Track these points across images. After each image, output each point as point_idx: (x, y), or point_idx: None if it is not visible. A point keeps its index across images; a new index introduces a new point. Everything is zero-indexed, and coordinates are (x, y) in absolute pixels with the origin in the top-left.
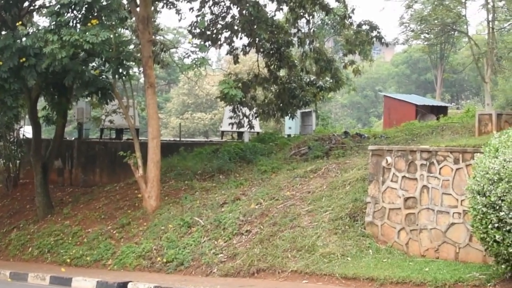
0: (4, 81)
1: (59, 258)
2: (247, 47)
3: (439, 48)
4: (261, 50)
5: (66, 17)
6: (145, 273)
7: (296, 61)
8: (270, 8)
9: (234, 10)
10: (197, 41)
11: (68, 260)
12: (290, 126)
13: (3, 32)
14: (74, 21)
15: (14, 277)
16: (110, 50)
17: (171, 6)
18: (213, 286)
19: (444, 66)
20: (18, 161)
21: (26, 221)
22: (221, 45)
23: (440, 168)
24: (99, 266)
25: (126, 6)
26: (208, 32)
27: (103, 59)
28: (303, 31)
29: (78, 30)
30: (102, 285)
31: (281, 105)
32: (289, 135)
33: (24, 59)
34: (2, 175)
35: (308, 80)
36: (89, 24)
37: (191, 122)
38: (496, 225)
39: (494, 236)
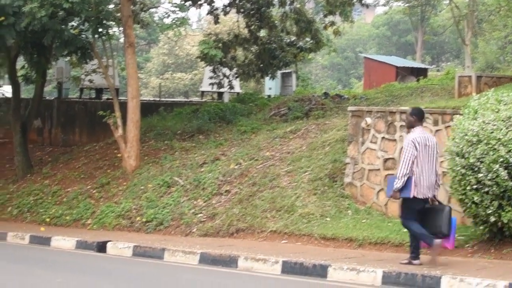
0: None
1: (38, 217)
2: (227, 7)
3: (420, 10)
4: (242, 10)
5: None
6: (125, 233)
7: (276, 22)
8: None
9: None
10: (177, 0)
11: (48, 220)
12: (270, 86)
13: None
14: None
15: None
16: (90, 9)
17: None
18: (192, 245)
19: (425, 28)
20: None
21: (5, 181)
22: (201, 5)
23: None
24: (78, 225)
25: None
26: None
27: (83, 18)
28: None
29: None
30: (81, 244)
31: (261, 65)
32: (269, 96)
33: (3, 18)
34: None
35: (288, 40)
36: None
37: (171, 82)
38: (475, 186)
39: (473, 198)
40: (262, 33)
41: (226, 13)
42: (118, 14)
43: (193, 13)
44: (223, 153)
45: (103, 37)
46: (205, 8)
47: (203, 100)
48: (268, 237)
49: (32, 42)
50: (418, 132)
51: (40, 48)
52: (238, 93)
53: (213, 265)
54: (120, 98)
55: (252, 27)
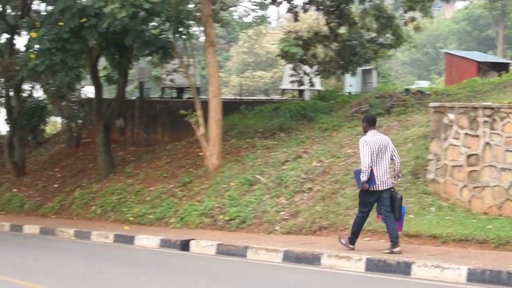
0: (65, 41)
1: (122, 216)
2: (306, 5)
3: (500, 4)
4: (321, 7)
5: None
6: (208, 231)
7: (356, 18)
8: None
9: None
10: None
11: (131, 219)
12: (351, 83)
13: None
14: None
15: (78, 236)
16: (170, 9)
17: None
18: (275, 243)
19: (506, 23)
20: (80, 121)
21: (89, 180)
22: (280, 3)
23: (503, 125)
24: (161, 224)
25: None
26: None
27: (163, 18)
28: None
29: None
30: (165, 242)
31: (341, 62)
32: (349, 93)
33: (84, 19)
34: (65, 135)
35: (368, 37)
36: None
37: (251, 80)
38: None
39: None
40: (342, 30)
41: (305, 11)
42: (198, 14)
43: (272, 11)
44: (305, 150)
45: (184, 36)
46: (285, 6)
47: (284, 98)
48: None
49: (113, 43)
50: (369, 135)
51: (122, 49)
52: (318, 91)
53: (296, 262)
54: (201, 97)
55: (332, 24)
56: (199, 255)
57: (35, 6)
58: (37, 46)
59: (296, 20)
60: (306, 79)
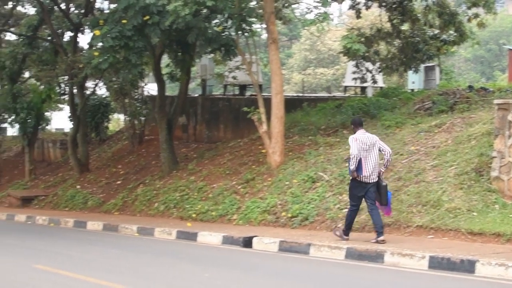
0: (128, 39)
1: (184, 213)
2: (369, 1)
3: None
4: (384, 4)
5: None
6: (270, 228)
7: (419, 15)
8: None
9: None
10: None
11: (194, 215)
12: (414, 80)
13: None
14: None
15: (141, 232)
16: (233, 6)
17: None
18: (337, 241)
19: None
20: (143, 118)
21: (152, 177)
22: (343, 0)
23: None
24: (224, 221)
25: None
26: None
27: (226, 16)
28: None
29: None
30: (227, 239)
31: (404, 59)
32: (412, 90)
33: (147, 17)
34: (128, 132)
35: (431, 34)
36: None
37: (313, 77)
38: None
39: None
40: (405, 26)
41: (368, 7)
42: (260, 11)
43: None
44: None
45: (246, 33)
46: (347, 3)
47: (346, 95)
48: (414, 232)
49: (176, 40)
50: (358, 134)
51: (184, 46)
52: (381, 88)
53: (359, 260)
54: (263, 94)
55: (395, 20)
56: (261, 252)
57: (98, 4)
58: (100, 44)
59: (358, 17)
60: (368, 76)
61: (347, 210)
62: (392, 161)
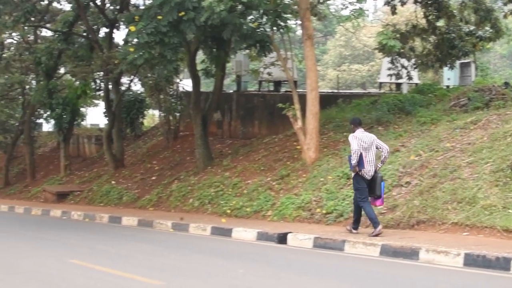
0: (164, 35)
1: (219, 209)
2: None
3: None
4: (419, 0)
5: None
6: (305, 224)
7: (454, 11)
8: None
9: None
10: None
11: (228, 211)
12: (449, 77)
13: None
14: None
15: (176, 228)
16: (268, 2)
17: None
18: (372, 237)
19: None
20: (178, 114)
21: (187, 173)
22: None
23: None
24: (258, 217)
25: None
26: None
27: (261, 12)
28: None
29: None
30: (262, 235)
31: (439, 55)
32: (447, 86)
33: (183, 13)
34: (163, 128)
35: (467, 30)
36: None
37: (348, 74)
38: None
39: None
40: (440, 23)
41: (403, 4)
42: (295, 7)
43: (369, 4)
44: (403, 144)
45: (282, 29)
46: None
47: (381, 91)
48: (449, 229)
49: (211, 36)
50: (357, 132)
51: (219, 42)
52: (416, 84)
53: (394, 257)
54: (298, 90)
55: (430, 17)
56: (296, 248)
57: (133, 0)
58: (135, 39)
59: (394, 13)
60: (403, 73)
61: (382, 207)
62: (427, 157)
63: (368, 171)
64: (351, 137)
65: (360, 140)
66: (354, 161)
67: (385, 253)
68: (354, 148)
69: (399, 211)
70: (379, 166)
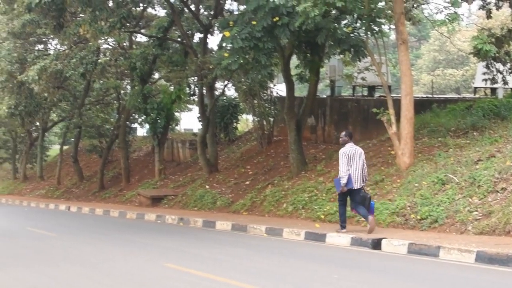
0: (258, 40)
1: (313, 214)
2: (500, 1)
3: None
4: None
5: None
6: (399, 230)
7: None
8: None
9: None
10: None
11: (322, 216)
12: None
13: None
14: None
15: (269, 232)
16: (362, 7)
17: None
18: (468, 243)
19: None
20: (271, 119)
21: (281, 178)
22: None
23: None
24: (352, 222)
25: None
26: None
27: (355, 17)
28: None
29: None
30: (356, 241)
31: None
32: None
33: (277, 18)
34: (257, 132)
35: None
36: None
37: (442, 78)
38: None
39: None
40: None
41: (498, 8)
42: (390, 11)
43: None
44: (499, 150)
45: (376, 34)
46: (477, 3)
47: (476, 96)
48: None
49: (305, 41)
50: (348, 147)
51: (313, 47)
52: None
53: (489, 264)
54: (392, 95)
55: None
56: (390, 254)
57: (227, 5)
58: (230, 45)
59: (489, 17)
60: (499, 77)
61: (476, 213)
62: None
63: (354, 184)
64: (342, 154)
65: (347, 157)
66: (343, 181)
67: (480, 260)
68: (344, 170)
69: (494, 218)
70: (363, 185)
